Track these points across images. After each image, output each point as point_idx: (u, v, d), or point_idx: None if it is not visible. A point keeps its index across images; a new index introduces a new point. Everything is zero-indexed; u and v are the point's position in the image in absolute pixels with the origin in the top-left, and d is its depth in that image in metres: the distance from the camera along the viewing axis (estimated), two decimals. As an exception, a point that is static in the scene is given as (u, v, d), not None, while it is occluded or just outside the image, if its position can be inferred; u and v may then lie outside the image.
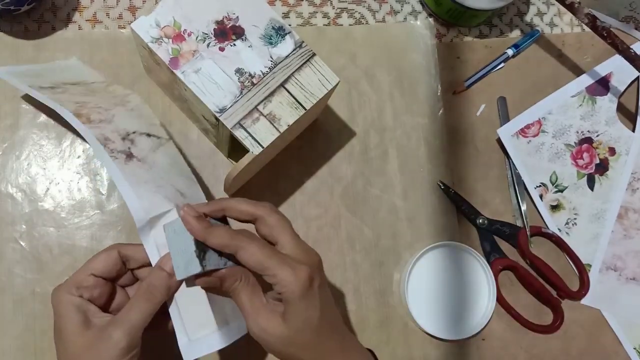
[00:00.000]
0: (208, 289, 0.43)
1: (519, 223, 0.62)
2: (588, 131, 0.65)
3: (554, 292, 0.61)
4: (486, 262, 0.59)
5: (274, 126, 0.48)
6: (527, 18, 0.68)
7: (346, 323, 0.58)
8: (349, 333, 0.45)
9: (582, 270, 0.61)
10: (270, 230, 0.43)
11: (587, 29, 0.67)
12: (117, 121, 0.48)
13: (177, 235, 0.41)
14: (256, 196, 0.58)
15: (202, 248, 0.41)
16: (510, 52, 0.65)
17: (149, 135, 0.49)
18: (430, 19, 0.66)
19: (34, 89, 0.51)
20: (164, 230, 0.43)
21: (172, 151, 0.51)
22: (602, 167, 0.64)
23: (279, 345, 0.41)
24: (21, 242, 0.55)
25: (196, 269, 0.40)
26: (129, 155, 0.46)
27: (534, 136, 0.64)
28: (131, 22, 0.58)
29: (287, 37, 0.50)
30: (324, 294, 0.42)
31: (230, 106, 0.48)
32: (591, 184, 0.64)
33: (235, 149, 0.56)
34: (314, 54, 0.50)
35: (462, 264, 0.59)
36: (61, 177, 0.57)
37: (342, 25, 0.64)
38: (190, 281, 0.43)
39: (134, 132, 0.48)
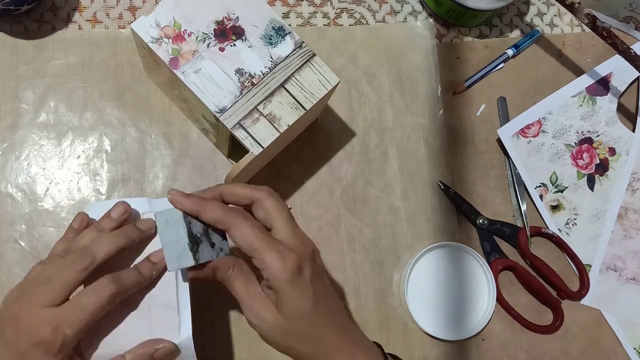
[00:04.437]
0: (201, 280, 0.42)
1: (519, 223, 0.62)
2: (588, 131, 0.65)
3: (554, 292, 0.61)
4: (486, 262, 0.59)
5: (274, 126, 0.48)
6: (527, 18, 0.68)
7: (346, 323, 0.58)
8: (353, 325, 0.44)
9: (582, 271, 0.61)
10: (266, 214, 0.42)
11: (587, 29, 0.67)
12: None
13: (169, 226, 0.41)
14: (256, 196, 0.58)
15: (194, 240, 0.41)
16: (510, 52, 0.65)
17: None
18: (430, 19, 0.66)
19: None
20: (154, 219, 0.42)
21: None
22: (602, 168, 0.64)
23: (276, 336, 0.41)
24: (21, 242, 0.55)
25: (189, 262, 0.40)
26: None
27: (534, 136, 0.64)
28: (131, 22, 0.58)
29: (287, 37, 0.50)
30: (319, 284, 0.41)
31: (230, 106, 0.48)
32: (591, 184, 0.64)
33: (235, 149, 0.56)
34: (314, 54, 0.50)
35: (462, 264, 0.59)
36: (61, 177, 0.57)
37: (342, 25, 0.64)
38: (183, 272, 0.43)
39: None
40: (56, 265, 0.40)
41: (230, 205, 0.43)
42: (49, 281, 0.40)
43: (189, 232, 0.40)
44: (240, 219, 0.40)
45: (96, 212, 0.46)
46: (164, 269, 0.43)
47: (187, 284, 0.43)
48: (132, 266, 0.43)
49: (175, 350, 0.42)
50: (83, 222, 0.45)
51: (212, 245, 0.42)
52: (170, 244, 0.41)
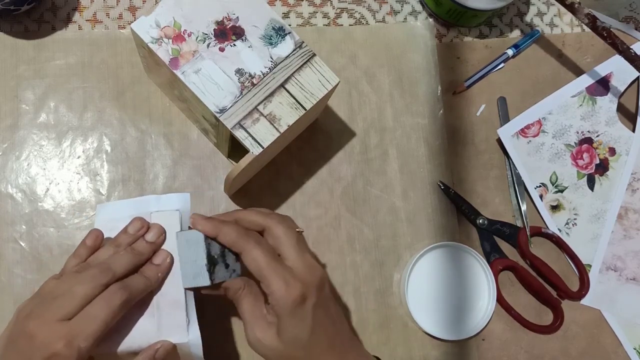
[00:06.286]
0: (212, 297, 0.44)
1: (519, 223, 0.62)
2: (588, 131, 0.65)
3: (554, 292, 0.61)
4: (486, 262, 0.59)
5: (274, 126, 0.48)
6: (527, 18, 0.68)
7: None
8: (354, 347, 0.45)
9: (582, 271, 0.61)
10: (275, 241, 0.43)
11: (587, 29, 0.67)
12: None
13: (189, 245, 0.43)
14: (256, 196, 0.58)
15: (212, 261, 0.42)
16: (510, 52, 0.65)
17: None
18: (430, 19, 0.66)
19: None
20: (176, 238, 0.44)
21: None
22: (602, 168, 0.64)
23: (272, 358, 0.42)
24: (21, 243, 0.55)
25: (205, 282, 0.42)
26: None
27: (534, 136, 0.64)
28: (131, 22, 0.58)
29: (287, 37, 0.50)
30: (322, 312, 0.43)
31: (230, 106, 0.48)
32: (591, 184, 0.64)
33: (235, 149, 0.56)
34: (314, 54, 0.50)
35: (462, 264, 0.59)
36: (61, 177, 0.57)
37: (342, 25, 0.64)
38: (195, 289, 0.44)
39: None
40: (74, 280, 0.40)
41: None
42: (66, 295, 0.40)
43: (208, 254, 0.42)
44: (252, 243, 0.42)
45: (106, 214, 0.47)
46: (169, 269, 0.44)
47: None
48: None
49: (173, 347, 0.43)
50: (97, 240, 0.45)
51: (227, 266, 0.44)
52: (189, 263, 0.43)
